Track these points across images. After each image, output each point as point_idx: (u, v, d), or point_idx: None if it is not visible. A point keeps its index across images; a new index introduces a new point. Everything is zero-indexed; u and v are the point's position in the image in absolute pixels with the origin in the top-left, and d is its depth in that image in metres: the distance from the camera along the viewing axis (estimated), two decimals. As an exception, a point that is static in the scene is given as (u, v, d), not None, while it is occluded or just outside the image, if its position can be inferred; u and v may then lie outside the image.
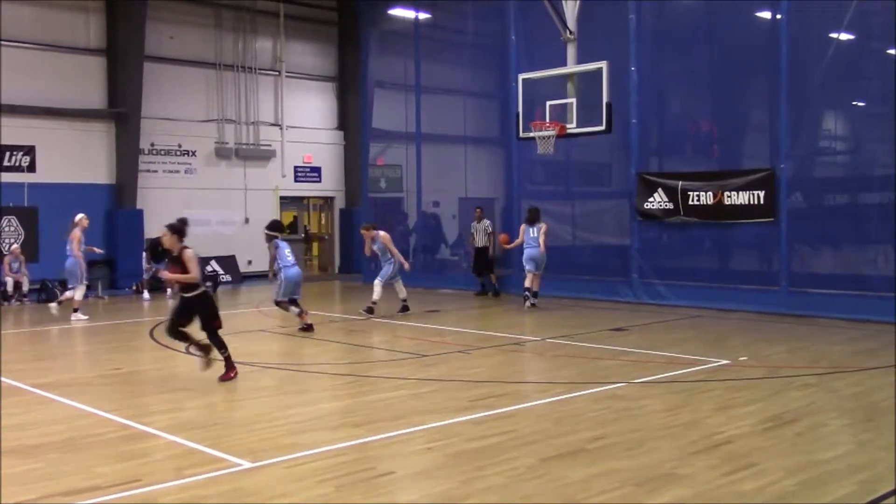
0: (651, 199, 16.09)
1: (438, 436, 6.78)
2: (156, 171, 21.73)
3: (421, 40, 21.34)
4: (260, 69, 23.66)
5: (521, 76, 15.26)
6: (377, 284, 14.90)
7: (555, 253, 16.53)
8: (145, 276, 19.17)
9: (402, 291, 15.21)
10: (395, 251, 15.05)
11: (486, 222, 18.67)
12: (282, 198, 24.20)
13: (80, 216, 15.41)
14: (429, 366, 10.00)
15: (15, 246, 18.49)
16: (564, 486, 5.53)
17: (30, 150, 19.67)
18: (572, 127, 14.19)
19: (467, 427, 7.04)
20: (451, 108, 21.11)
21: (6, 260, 17.96)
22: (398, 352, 11.01)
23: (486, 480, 5.64)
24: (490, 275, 18.54)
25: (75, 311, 14.83)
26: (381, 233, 15.28)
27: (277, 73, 24.05)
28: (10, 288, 17.67)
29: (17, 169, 19.48)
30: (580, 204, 18.49)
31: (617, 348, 11.13)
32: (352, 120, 24.73)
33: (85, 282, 15.37)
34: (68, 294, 15.15)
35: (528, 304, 15.64)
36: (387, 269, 14.99)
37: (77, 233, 15.08)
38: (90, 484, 5.64)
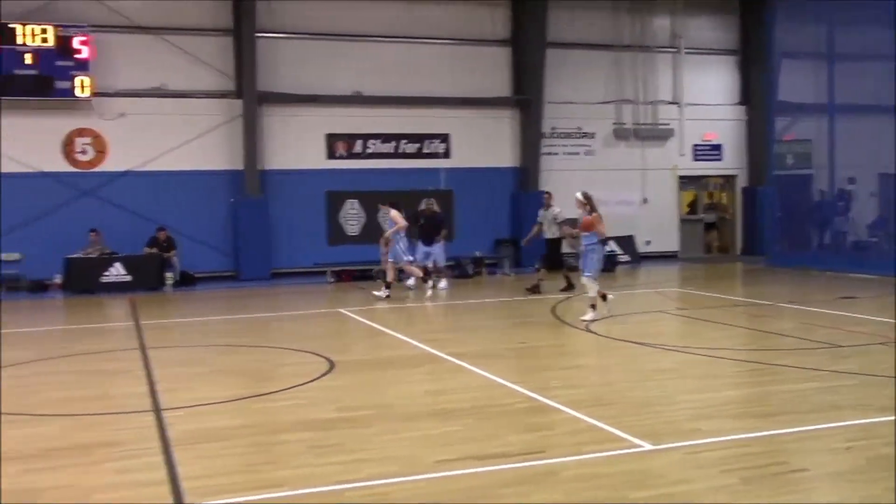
0: None
1: (858, 435, 6.16)
2: (556, 154, 22.47)
3: (836, 1, 19.50)
4: (658, 47, 23.35)
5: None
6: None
7: None
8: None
9: None
10: None
11: (556, 210, 16.00)
12: (680, 177, 23.74)
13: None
14: (845, 357, 9.14)
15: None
16: None
17: (445, 138, 21.49)
18: None
19: (892, 428, 6.30)
20: (873, 74, 19.04)
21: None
22: (808, 340, 10.22)
23: (919, 491, 5.00)
24: (564, 271, 15.75)
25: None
26: None
27: (676, 49, 23.55)
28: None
29: (435, 155, 21.43)
30: None
31: None
32: (756, 94, 23.44)
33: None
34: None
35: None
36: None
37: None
38: (501, 451, 5.97)
